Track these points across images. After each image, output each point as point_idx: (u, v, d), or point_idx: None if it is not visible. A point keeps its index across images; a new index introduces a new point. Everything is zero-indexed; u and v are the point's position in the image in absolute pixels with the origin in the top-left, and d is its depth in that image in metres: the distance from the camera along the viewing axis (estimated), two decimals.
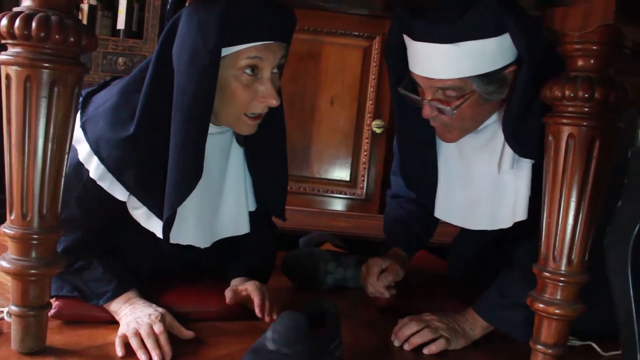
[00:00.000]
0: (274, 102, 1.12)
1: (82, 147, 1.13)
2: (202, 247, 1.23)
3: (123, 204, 1.16)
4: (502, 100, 1.16)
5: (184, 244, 1.19)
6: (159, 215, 1.13)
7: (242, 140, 1.27)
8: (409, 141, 1.32)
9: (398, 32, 1.16)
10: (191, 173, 1.09)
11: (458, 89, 1.11)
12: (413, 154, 1.33)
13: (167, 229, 1.12)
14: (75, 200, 1.16)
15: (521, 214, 1.19)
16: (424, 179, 1.34)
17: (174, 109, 1.07)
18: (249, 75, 1.09)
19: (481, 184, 1.25)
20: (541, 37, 1.06)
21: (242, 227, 1.30)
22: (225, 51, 1.06)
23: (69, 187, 1.11)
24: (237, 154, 1.28)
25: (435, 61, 1.09)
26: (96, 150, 1.11)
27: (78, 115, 1.13)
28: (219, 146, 1.22)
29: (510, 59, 1.10)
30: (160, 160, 1.11)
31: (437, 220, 1.52)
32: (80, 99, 1.16)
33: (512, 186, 1.20)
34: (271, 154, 1.29)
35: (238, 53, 1.07)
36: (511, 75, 1.12)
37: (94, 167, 1.12)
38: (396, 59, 1.19)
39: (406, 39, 1.14)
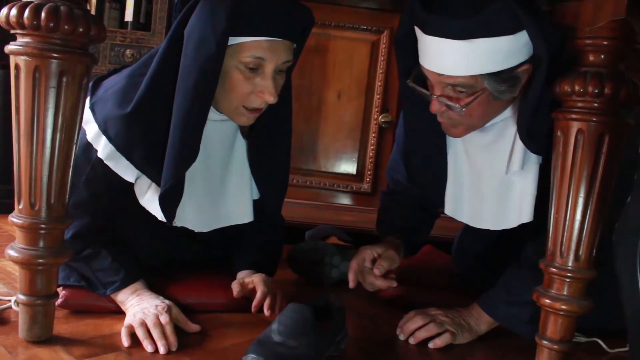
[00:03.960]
0: (271, 99, 1.11)
1: (90, 128, 1.14)
2: (197, 230, 1.24)
3: (130, 188, 1.17)
4: (512, 98, 1.15)
5: (179, 225, 1.19)
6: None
7: (246, 133, 1.27)
8: (417, 134, 1.30)
9: (409, 23, 1.14)
10: (187, 152, 1.09)
11: (468, 86, 1.09)
12: (422, 147, 1.31)
13: (164, 206, 1.12)
14: (84, 182, 1.17)
15: (527, 216, 1.18)
16: (432, 173, 1.32)
17: (177, 90, 1.08)
18: (250, 69, 1.09)
19: (488, 183, 1.24)
20: (558, 35, 1.04)
21: (245, 215, 1.30)
22: (232, 40, 1.06)
23: (78, 170, 1.12)
24: (242, 143, 1.28)
25: (446, 57, 1.07)
26: (104, 130, 1.12)
27: (87, 99, 1.14)
28: (222, 133, 1.22)
29: (524, 57, 1.07)
30: (165, 136, 1.11)
31: (433, 218, 1.52)
32: (90, 84, 1.18)
33: (518, 187, 1.19)
34: (274, 154, 1.29)
35: (243, 45, 1.07)
36: (524, 74, 1.09)
37: (102, 147, 1.13)
38: (405, 51, 1.18)
39: (417, 31, 1.12)
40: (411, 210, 1.47)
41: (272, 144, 1.29)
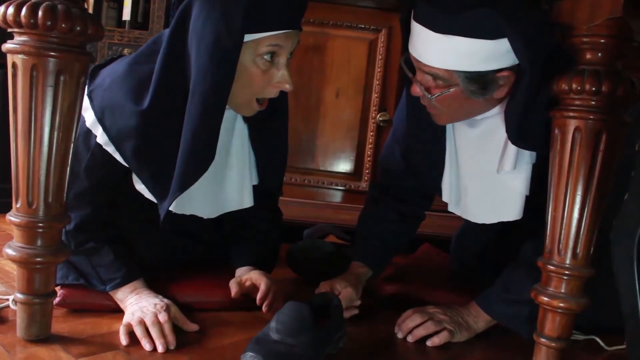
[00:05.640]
0: (288, 87, 1.14)
1: (88, 115, 1.14)
2: (206, 217, 1.25)
3: (129, 177, 1.17)
4: (497, 98, 1.14)
5: (188, 214, 1.20)
6: (151, 191, 1.15)
7: (246, 117, 1.28)
8: (418, 121, 1.29)
9: (409, 6, 1.15)
10: (203, 158, 1.10)
11: (443, 78, 1.11)
12: (421, 134, 1.30)
13: (163, 205, 1.13)
14: (85, 170, 1.17)
15: (515, 214, 1.19)
16: (430, 161, 1.32)
17: (192, 93, 1.07)
18: (267, 61, 1.10)
19: (476, 178, 1.25)
20: (546, 43, 1.04)
21: (245, 200, 1.31)
22: (247, 37, 1.06)
23: (78, 158, 1.14)
24: (241, 129, 1.29)
25: (426, 46, 1.09)
26: (100, 118, 1.12)
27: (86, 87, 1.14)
28: (224, 121, 1.22)
29: (505, 64, 1.07)
30: (164, 138, 1.12)
31: (415, 229, 1.51)
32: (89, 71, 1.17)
33: (508, 185, 1.19)
34: (274, 132, 1.32)
35: (259, 40, 1.08)
36: (504, 80, 1.09)
37: (100, 133, 1.13)
38: (404, 31, 1.18)
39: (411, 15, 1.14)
40: (392, 224, 1.45)
41: (272, 123, 1.30)
